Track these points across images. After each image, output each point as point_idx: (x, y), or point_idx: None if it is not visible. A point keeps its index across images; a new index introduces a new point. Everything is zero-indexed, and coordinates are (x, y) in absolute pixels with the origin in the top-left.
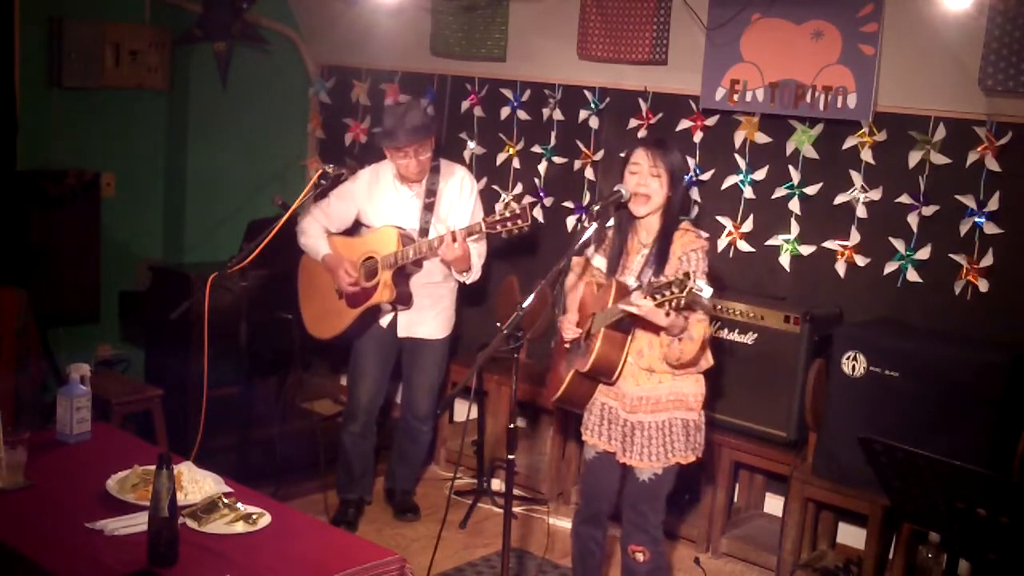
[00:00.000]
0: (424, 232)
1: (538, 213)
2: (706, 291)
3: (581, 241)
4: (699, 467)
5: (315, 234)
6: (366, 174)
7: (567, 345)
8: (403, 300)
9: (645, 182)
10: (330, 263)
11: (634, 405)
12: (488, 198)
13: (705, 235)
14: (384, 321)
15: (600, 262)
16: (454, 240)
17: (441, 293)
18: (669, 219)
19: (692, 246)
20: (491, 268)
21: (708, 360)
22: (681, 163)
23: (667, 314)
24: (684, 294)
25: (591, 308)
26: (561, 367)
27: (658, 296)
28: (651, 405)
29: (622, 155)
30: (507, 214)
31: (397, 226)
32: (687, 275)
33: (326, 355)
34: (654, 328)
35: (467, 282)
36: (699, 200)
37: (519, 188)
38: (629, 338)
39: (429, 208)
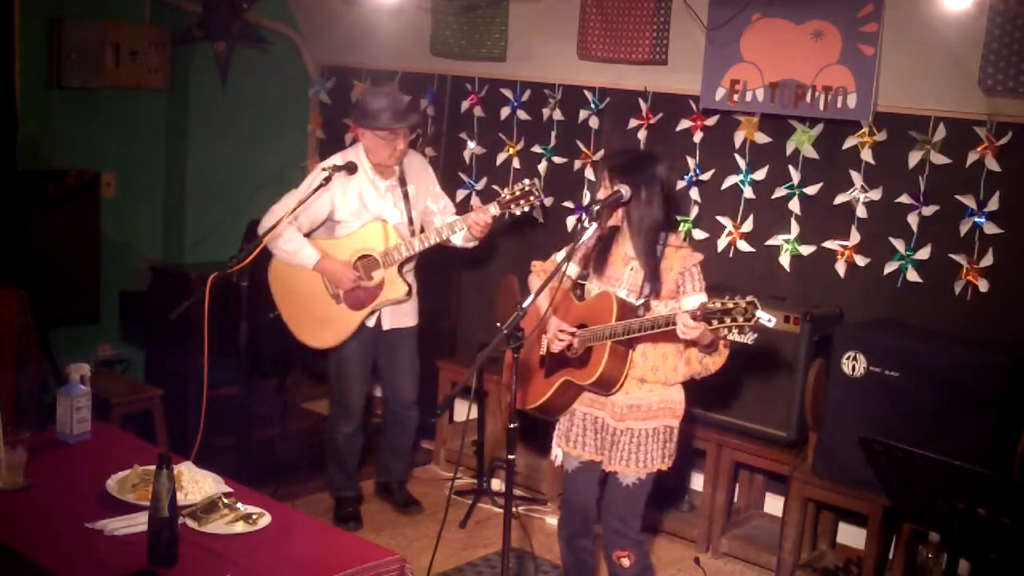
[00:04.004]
0: (411, 222)
1: (538, 213)
2: (772, 320)
3: (581, 241)
4: (699, 469)
5: (296, 239)
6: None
7: (542, 351)
8: (410, 293)
9: (601, 194)
10: (328, 268)
11: (623, 414)
12: (488, 198)
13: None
14: (371, 321)
15: (572, 269)
16: (483, 215)
17: (411, 279)
18: (638, 232)
19: (692, 260)
20: (491, 268)
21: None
22: (645, 178)
23: (715, 330)
24: (751, 323)
25: (571, 315)
26: (536, 373)
27: (715, 321)
28: (642, 413)
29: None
30: (517, 192)
31: (383, 219)
32: (752, 303)
33: (325, 354)
34: (654, 339)
35: (471, 247)
36: (699, 200)
37: (513, 188)
38: (631, 351)
39: (406, 196)
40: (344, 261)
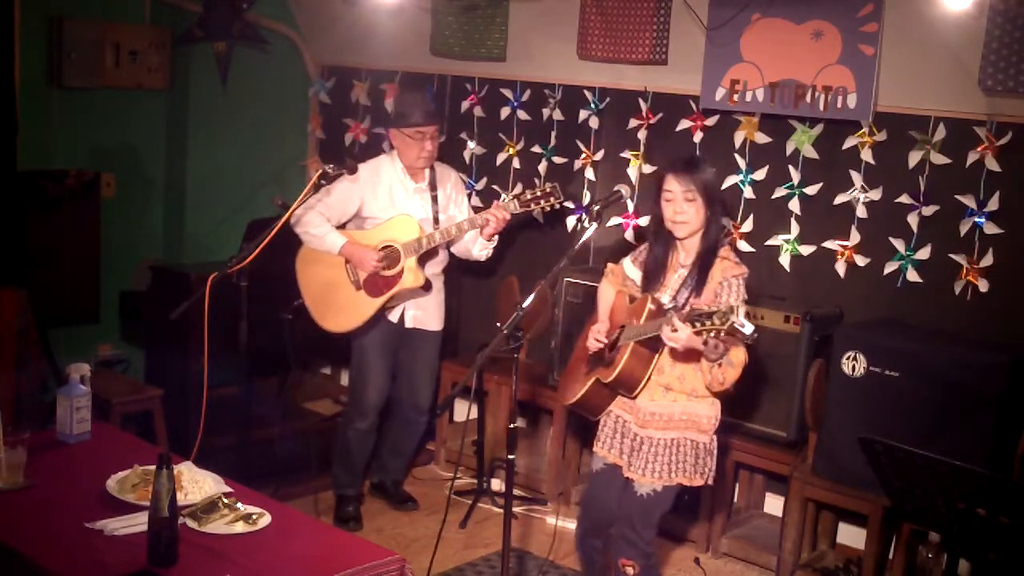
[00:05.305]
0: (436, 221)
1: (538, 214)
2: (748, 327)
3: (581, 241)
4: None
5: (323, 226)
6: (365, 168)
7: (590, 350)
8: (427, 286)
9: (681, 208)
10: (352, 252)
11: (646, 420)
12: (489, 198)
13: (742, 263)
14: (393, 316)
15: (634, 273)
16: (503, 211)
17: (439, 285)
18: (709, 241)
19: (733, 272)
20: (492, 269)
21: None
22: (713, 179)
23: (705, 342)
24: (725, 327)
25: (620, 318)
26: (580, 370)
27: (697, 324)
28: (663, 422)
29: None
30: (538, 193)
31: (411, 215)
32: (731, 308)
33: (326, 354)
34: (691, 351)
35: (484, 256)
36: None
37: (519, 188)
38: (657, 356)
39: (435, 200)
40: (369, 246)
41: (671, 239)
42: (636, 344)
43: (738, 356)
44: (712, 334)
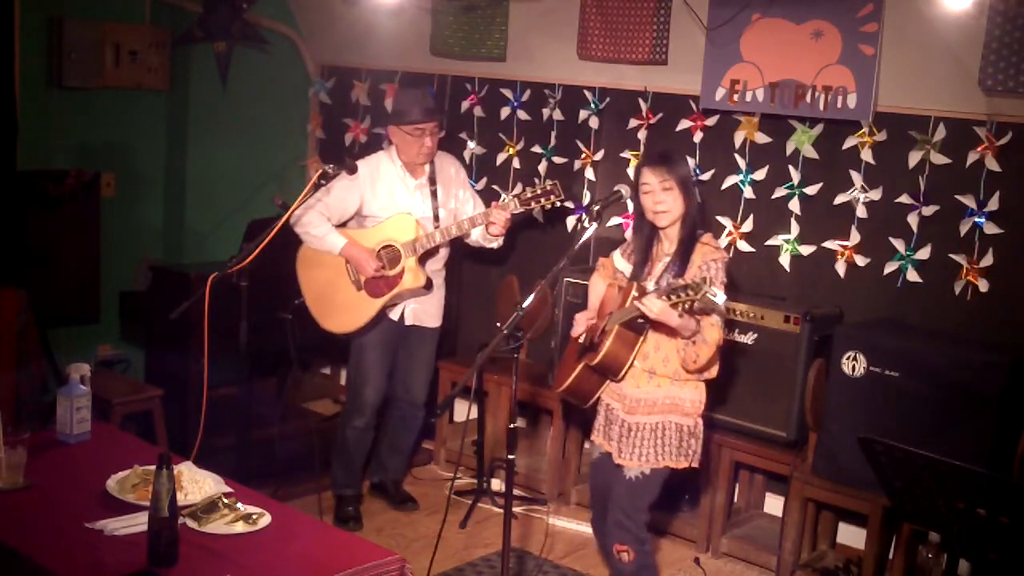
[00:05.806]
0: (436, 218)
1: (538, 213)
2: (720, 296)
3: (581, 241)
4: (698, 468)
5: (324, 226)
6: (364, 166)
7: (581, 340)
8: (428, 285)
9: (661, 198)
10: (352, 254)
11: (632, 407)
12: (488, 198)
13: (724, 248)
14: (394, 314)
15: (623, 265)
16: (503, 209)
17: (440, 281)
18: (688, 228)
19: (712, 256)
20: (492, 268)
21: (713, 371)
22: (687, 169)
23: (680, 315)
24: (699, 297)
25: (610, 308)
26: (573, 360)
27: (672, 297)
28: (647, 407)
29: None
30: (538, 191)
31: (409, 212)
32: (704, 279)
33: (326, 354)
34: (666, 331)
35: (496, 246)
36: (699, 200)
37: (519, 188)
38: (641, 339)
39: (435, 195)
40: (368, 248)
41: (654, 231)
42: (620, 328)
43: (712, 335)
44: (686, 305)
